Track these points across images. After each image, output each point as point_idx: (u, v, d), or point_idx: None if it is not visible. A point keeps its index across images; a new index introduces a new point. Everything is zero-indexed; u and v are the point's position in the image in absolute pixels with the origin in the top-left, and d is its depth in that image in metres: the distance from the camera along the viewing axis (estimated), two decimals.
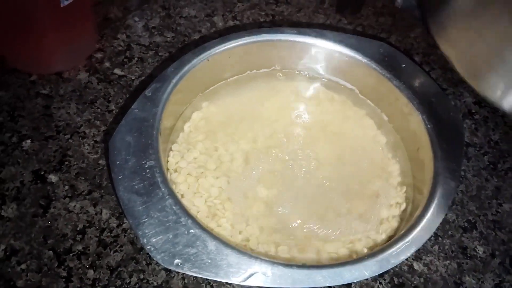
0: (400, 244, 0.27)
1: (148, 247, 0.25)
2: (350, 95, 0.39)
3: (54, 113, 0.41)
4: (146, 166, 0.29)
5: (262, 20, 0.52)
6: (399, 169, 0.36)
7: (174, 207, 0.27)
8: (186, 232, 0.26)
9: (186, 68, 0.34)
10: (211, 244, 0.25)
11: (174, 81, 0.33)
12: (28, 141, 0.39)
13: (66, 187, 0.37)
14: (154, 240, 0.26)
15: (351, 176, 0.35)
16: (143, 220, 0.26)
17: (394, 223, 0.32)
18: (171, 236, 0.26)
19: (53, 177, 0.37)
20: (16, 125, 0.40)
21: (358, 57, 0.37)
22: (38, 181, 0.37)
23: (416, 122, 0.34)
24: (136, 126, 0.30)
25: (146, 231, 0.26)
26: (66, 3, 0.39)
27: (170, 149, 0.35)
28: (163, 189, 0.28)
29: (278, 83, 0.40)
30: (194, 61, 0.35)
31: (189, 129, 0.36)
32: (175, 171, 0.33)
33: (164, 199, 0.27)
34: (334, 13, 0.53)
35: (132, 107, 0.32)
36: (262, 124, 0.37)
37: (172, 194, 0.28)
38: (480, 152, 0.43)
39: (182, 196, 0.32)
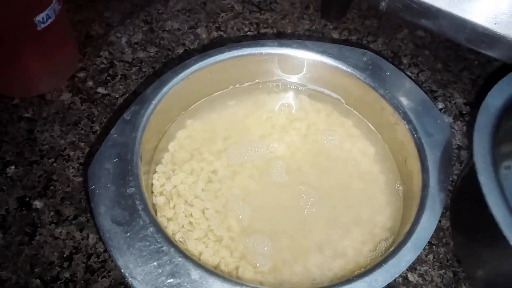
0: (392, 261, 0.27)
1: (130, 279, 0.25)
2: (336, 105, 0.39)
3: (38, 137, 0.40)
4: (126, 193, 0.28)
5: (246, 29, 0.51)
6: (386, 181, 0.35)
7: (156, 235, 0.27)
8: (168, 261, 0.26)
9: (166, 88, 0.33)
10: (195, 273, 0.25)
11: (154, 102, 0.33)
12: (12, 167, 0.38)
13: (52, 213, 0.36)
14: (136, 271, 0.25)
15: (339, 196, 0.34)
16: (125, 251, 0.26)
17: (387, 237, 0.32)
18: (153, 266, 0.25)
19: (38, 203, 0.37)
20: (0, 151, 0.39)
21: (342, 66, 0.36)
22: (23, 208, 0.36)
23: (403, 132, 0.33)
24: (115, 152, 0.30)
25: (128, 262, 0.25)
26: (43, 26, 0.38)
27: (155, 171, 0.34)
28: (144, 217, 0.27)
29: (262, 96, 0.39)
30: (174, 80, 0.34)
31: (174, 149, 0.36)
32: (160, 194, 0.33)
33: (146, 228, 0.27)
34: (319, 18, 0.53)
35: (111, 132, 0.31)
36: (249, 140, 0.37)
37: (154, 221, 0.27)
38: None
39: (169, 219, 0.32)
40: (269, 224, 0.33)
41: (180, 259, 0.26)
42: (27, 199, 0.37)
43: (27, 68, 0.41)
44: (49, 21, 0.39)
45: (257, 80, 0.39)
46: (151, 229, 0.27)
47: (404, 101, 0.34)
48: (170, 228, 0.31)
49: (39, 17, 0.38)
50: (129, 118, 0.32)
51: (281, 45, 0.37)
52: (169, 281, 0.25)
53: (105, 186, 0.28)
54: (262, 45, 0.37)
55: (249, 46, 0.37)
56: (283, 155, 0.37)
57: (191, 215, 0.32)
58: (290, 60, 0.37)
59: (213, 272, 0.25)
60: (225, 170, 0.35)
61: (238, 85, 0.39)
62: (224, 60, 0.36)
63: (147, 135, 0.32)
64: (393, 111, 0.34)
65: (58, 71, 0.43)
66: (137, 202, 0.28)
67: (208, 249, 0.31)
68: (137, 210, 0.28)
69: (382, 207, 0.34)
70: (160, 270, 0.25)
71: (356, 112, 0.38)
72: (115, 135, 0.31)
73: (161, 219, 0.32)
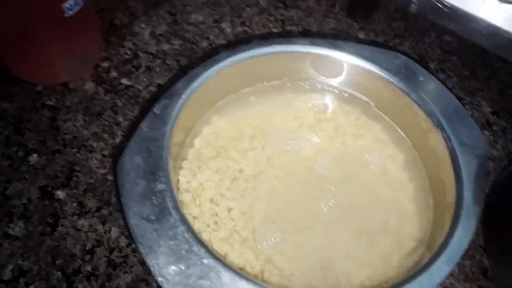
0: (426, 274, 0.26)
1: (160, 278, 0.24)
2: (365, 108, 0.38)
3: (61, 126, 0.40)
4: (156, 189, 0.28)
5: (271, 25, 0.50)
6: (415, 189, 0.35)
7: (186, 235, 0.26)
8: (199, 262, 0.25)
9: (196, 83, 0.33)
10: (225, 276, 0.25)
11: (183, 97, 0.32)
12: (35, 155, 0.38)
13: (74, 204, 0.36)
14: (166, 271, 0.25)
15: (366, 202, 0.34)
16: (154, 249, 0.25)
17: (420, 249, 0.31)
18: (183, 266, 0.25)
19: (60, 194, 0.36)
20: (22, 139, 0.39)
21: (374, 69, 0.36)
22: (46, 198, 0.36)
23: (436, 140, 0.32)
24: (145, 146, 0.29)
25: (157, 261, 0.25)
26: (70, 13, 0.38)
27: (180, 167, 0.34)
28: (174, 215, 0.27)
29: (290, 96, 0.39)
30: (204, 75, 0.33)
31: (200, 145, 0.35)
32: (186, 191, 0.32)
33: (175, 226, 0.26)
34: (345, 17, 0.52)
35: (140, 125, 0.31)
36: (275, 140, 0.36)
37: (183, 220, 0.27)
38: (499, 165, 0.41)
39: (195, 218, 0.31)
40: (294, 228, 0.32)
41: (210, 260, 0.25)
42: (50, 189, 0.36)
43: (51, 54, 0.40)
44: (77, 8, 0.38)
45: (285, 79, 0.39)
46: (181, 227, 0.26)
47: (437, 108, 0.33)
48: (196, 227, 0.31)
49: (67, 4, 0.37)
50: (159, 112, 0.31)
51: (312, 44, 0.36)
52: (199, 282, 0.24)
53: (135, 181, 0.28)
54: (294, 43, 0.36)
55: (280, 43, 0.36)
56: (309, 156, 0.36)
57: (216, 214, 0.32)
58: (321, 60, 0.37)
59: (243, 275, 0.25)
60: (251, 169, 0.35)
61: (265, 83, 0.38)
62: (255, 56, 0.35)
63: (176, 131, 0.31)
64: (425, 117, 0.33)
65: (83, 59, 0.43)
66: (167, 199, 0.27)
67: (233, 250, 0.30)
68: (167, 208, 0.27)
69: (411, 217, 0.33)
70: (190, 271, 0.25)
71: (386, 117, 0.37)
72: (145, 129, 0.30)
73: (187, 217, 0.31)
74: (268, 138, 0.36)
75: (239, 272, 0.25)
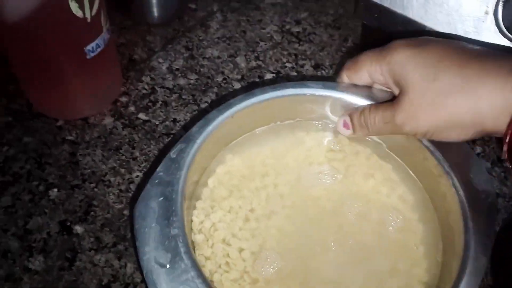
0: None
1: None
2: (376, 148, 0.39)
3: (80, 161, 0.42)
4: (170, 234, 0.29)
5: (284, 60, 0.51)
6: (424, 231, 0.35)
7: (196, 281, 0.27)
8: None
9: (211, 127, 0.34)
10: None
11: (198, 141, 0.33)
12: (55, 190, 0.40)
13: (92, 239, 0.37)
14: None
15: (375, 243, 0.34)
16: None
17: None
18: None
19: (78, 228, 0.38)
20: (44, 173, 0.40)
21: None
22: (65, 232, 0.37)
23: (446, 186, 0.33)
24: (161, 190, 0.31)
25: None
26: (92, 55, 0.39)
27: (194, 207, 0.35)
28: (186, 261, 0.28)
29: (302, 135, 0.40)
30: (219, 119, 0.35)
31: (213, 184, 0.36)
32: (199, 231, 0.33)
33: (187, 271, 0.27)
34: (357, 51, 0.53)
35: (157, 170, 0.32)
36: (286, 178, 0.37)
37: (195, 266, 0.28)
38: (510, 203, 0.41)
39: (207, 258, 0.32)
40: (303, 268, 0.33)
41: None
42: (68, 224, 0.38)
43: (73, 92, 0.42)
44: (98, 50, 0.40)
45: (298, 118, 0.40)
46: (192, 273, 0.27)
47: (448, 153, 0.34)
48: (208, 268, 0.32)
49: (89, 47, 0.39)
50: (175, 156, 0.32)
51: (325, 87, 0.37)
52: None
53: (150, 226, 0.29)
54: (307, 87, 0.37)
55: (293, 87, 0.37)
56: (320, 196, 0.37)
57: (228, 255, 0.33)
58: (334, 102, 0.38)
59: None
60: (263, 209, 0.36)
61: (279, 122, 0.39)
62: (269, 99, 0.36)
63: (191, 173, 0.33)
64: (436, 163, 0.34)
65: (103, 95, 0.45)
66: (180, 244, 0.28)
67: None
68: (179, 253, 0.28)
69: (420, 259, 0.33)
70: None
71: (397, 157, 0.38)
72: (161, 173, 0.31)
73: (199, 258, 0.32)
74: (279, 177, 0.37)
75: None
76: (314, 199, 0.37)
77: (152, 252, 0.28)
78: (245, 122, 0.37)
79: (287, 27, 0.55)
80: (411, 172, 0.37)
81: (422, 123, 0.31)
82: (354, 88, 0.37)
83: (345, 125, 0.37)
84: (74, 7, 0.36)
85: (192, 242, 0.33)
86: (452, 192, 0.32)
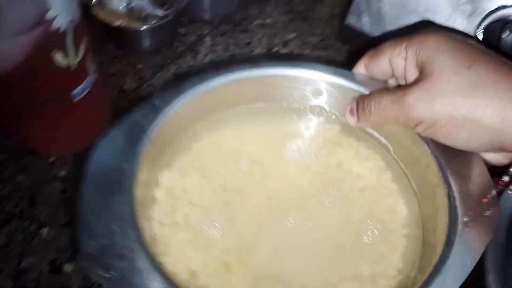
0: None
1: None
2: (382, 153, 0.37)
3: (71, 197, 0.43)
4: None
5: None
6: (406, 247, 0.33)
7: None
8: None
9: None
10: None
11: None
12: (46, 228, 0.41)
13: (79, 279, 0.38)
14: None
15: (355, 251, 0.33)
16: None
17: None
18: None
19: (68, 267, 0.39)
20: (35, 212, 0.42)
21: None
22: (55, 272, 0.39)
23: (441, 196, 0.31)
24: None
25: None
26: (78, 98, 0.40)
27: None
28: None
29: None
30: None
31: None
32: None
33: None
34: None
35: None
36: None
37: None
38: None
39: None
40: (253, 239, 0.33)
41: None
42: (58, 263, 0.39)
43: (62, 131, 0.43)
44: (84, 93, 0.41)
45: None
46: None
47: (451, 161, 0.31)
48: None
49: (75, 91, 0.40)
50: None
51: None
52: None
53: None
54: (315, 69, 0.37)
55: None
56: (301, 185, 0.36)
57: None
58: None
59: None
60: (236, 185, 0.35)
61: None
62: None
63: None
64: (437, 170, 0.31)
65: (93, 130, 0.46)
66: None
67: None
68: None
69: (395, 270, 0.32)
70: None
71: (402, 165, 0.36)
72: None
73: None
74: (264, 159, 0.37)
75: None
76: (296, 188, 0.36)
77: None
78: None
79: (276, 49, 0.55)
80: (413, 184, 0.35)
81: (438, 107, 0.28)
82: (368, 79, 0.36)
83: (351, 111, 0.35)
84: (59, 58, 0.36)
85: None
86: (445, 204, 0.30)
